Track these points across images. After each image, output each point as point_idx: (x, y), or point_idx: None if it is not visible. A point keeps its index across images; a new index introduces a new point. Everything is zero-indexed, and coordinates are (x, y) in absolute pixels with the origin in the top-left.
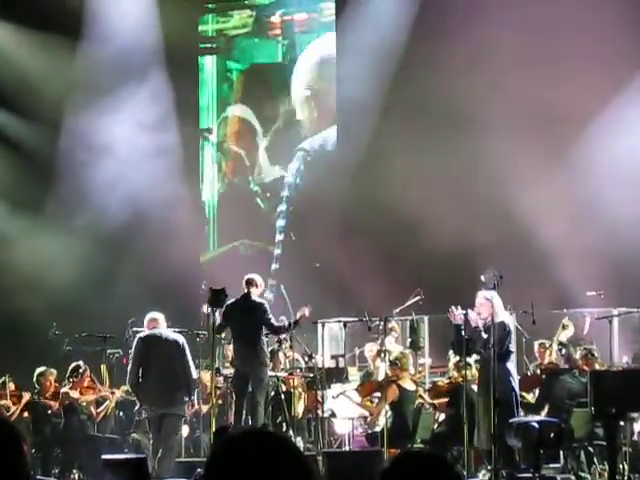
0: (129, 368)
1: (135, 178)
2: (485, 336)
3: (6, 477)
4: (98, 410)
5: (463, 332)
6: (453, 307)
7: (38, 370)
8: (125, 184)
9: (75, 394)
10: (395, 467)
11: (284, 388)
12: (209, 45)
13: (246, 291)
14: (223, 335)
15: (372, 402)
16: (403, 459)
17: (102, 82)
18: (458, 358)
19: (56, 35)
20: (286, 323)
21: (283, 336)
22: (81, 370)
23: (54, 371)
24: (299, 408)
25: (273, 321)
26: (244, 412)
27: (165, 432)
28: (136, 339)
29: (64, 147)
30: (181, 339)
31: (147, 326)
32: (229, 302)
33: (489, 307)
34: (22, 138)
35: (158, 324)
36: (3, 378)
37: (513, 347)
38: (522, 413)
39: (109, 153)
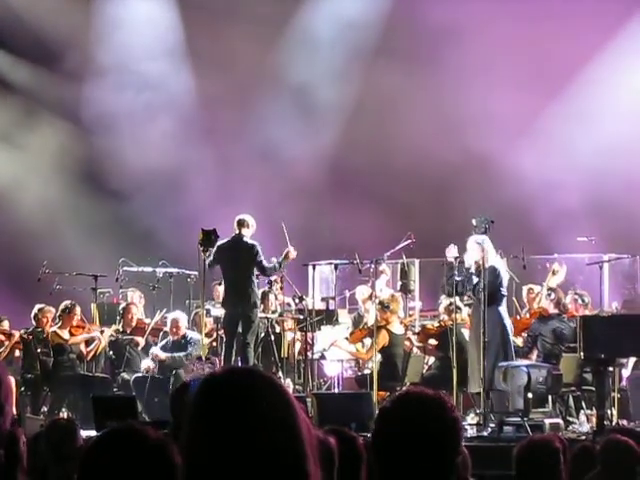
0: None
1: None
2: (476, 280)
3: None
4: (88, 349)
5: (456, 274)
6: (452, 245)
7: (37, 306)
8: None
9: (65, 333)
10: (396, 405)
11: (278, 330)
12: None
13: (237, 232)
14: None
15: (363, 345)
16: (404, 398)
17: None
18: (449, 302)
19: None
20: (276, 264)
21: (274, 277)
22: (69, 308)
23: (52, 309)
24: (295, 350)
25: (264, 263)
26: (234, 353)
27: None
28: None
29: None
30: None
31: None
32: (220, 242)
33: (480, 251)
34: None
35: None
36: None
37: (505, 291)
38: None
39: None
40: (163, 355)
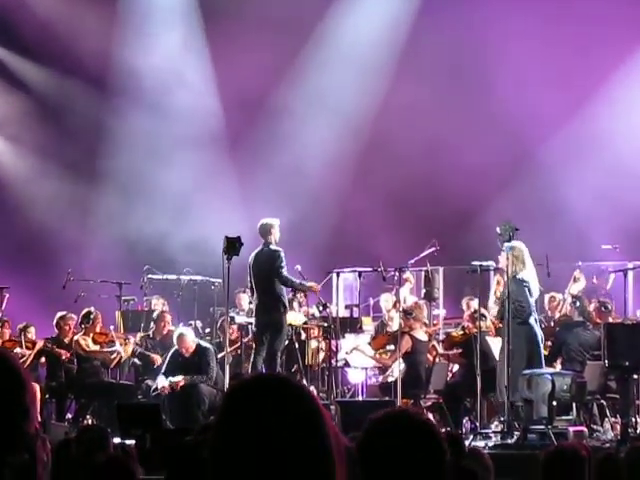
0: None
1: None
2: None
3: (5, 405)
4: (112, 357)
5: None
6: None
7: (59, 314)
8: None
9: (88, 340)
10: (372, 436)
11: (302, 337)
12: None
13: (263, 240)
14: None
15: (386, 354)
16: (380, 425)
17: None
18: (473, 309)
19: None
20: (296, 282)
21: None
22: (92, 316)
23: (74, 316)
24: (319, 358)
25: (284, 271)
26: (261, 361)
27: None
28: None
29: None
30: None
31: None
32: (251, 255)
33: (505, 259)
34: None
35: None
36: (25, 323)
37: (531, 302)
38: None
39: None
40: (182, 381)
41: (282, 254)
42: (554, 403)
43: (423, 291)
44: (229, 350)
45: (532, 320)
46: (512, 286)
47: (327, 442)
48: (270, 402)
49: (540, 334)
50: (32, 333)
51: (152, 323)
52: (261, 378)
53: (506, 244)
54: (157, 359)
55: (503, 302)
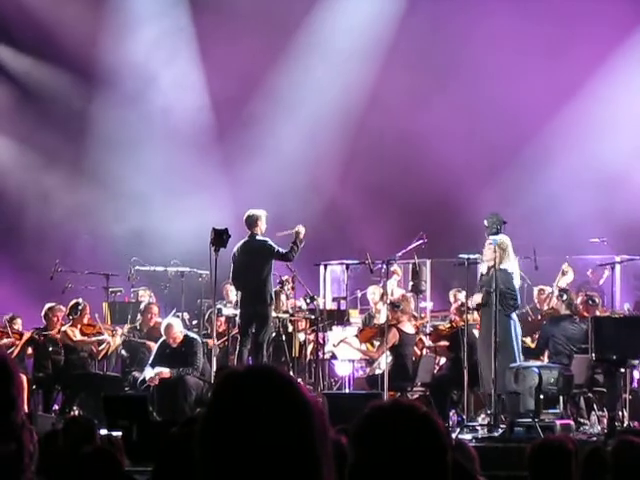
0: None
1: None
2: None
3: None
4: (99, 348)
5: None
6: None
7: (47, 305)
8: None
9: (75, 332)
10: (366, 426)
11: (289, 329)
12: None
13: (249, 232)
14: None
15: (373, 346)
16: (373, 416)
17: None
18: (460, 302)
19: None
20: (293, 246)
21: (285, 277)
22: (80, 307)
23: (62, 308)
24: (306, 351)
25: (281, 250)
26: (246, 352)
27: None
28: None
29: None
30: None
31: None
32: (236, 246)
33: (492, 251)
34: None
35: None
36: (11, 314)
37: (516, 294)
38: (522, 358)
39: None
40: (168, 373)
41: (271, 241)
42: (541, 396)
43: (410, 284)
44: (217, 342)
45: (512, 312)
46: (501, 277)
47: (315, 433)
48: (260, 393)
49: (518, 328)
50: (19, 324)
51: (139, 315)
52: (251, 369)
53: (492, 237)
54: (152, 345)
55: (489, 293)
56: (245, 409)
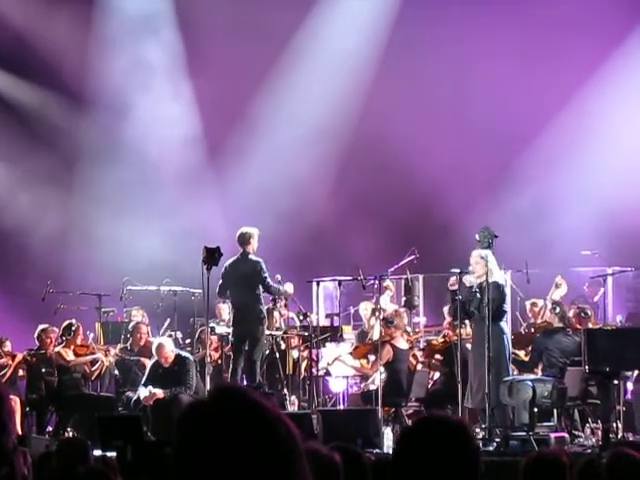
0: None
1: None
2: (479, 296)
3: None
4: (92, 369)
5: (460, 297)
6: (452, 278)
7: (40, 327)
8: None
9: (68, 353)
10: (417, 428)
11: (283, 347)
12: None
13: (241, 250)
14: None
15: (367, 362)
16: (425, 422)
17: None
18: (452, 317)
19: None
20: (281, 288)
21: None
22: (73, 328)
23: (55, 329)
24: (300, 368)
25: (268, 280)
26: (240, 371)
27: None
28: None
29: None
30: None
31: None
32: (227, 263)
33: (483, 266)
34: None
35: None
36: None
37: (507, 307)
38: (515, 372)
39: None
40: (162, 394)
41: (264, 264)
42: (535, 409)
43: (403, 299)
44: (209, 360)
45: (504, 324)
46: (495, 291)
47: (285, 453)
48: (218, 424)
49: (509, 339)
50: (8, 347)
51: (122, 335)
52: (215, 397)
53: (482, 251)
54: (145, 362)
55: (480, 305)
56: (204, 439)
